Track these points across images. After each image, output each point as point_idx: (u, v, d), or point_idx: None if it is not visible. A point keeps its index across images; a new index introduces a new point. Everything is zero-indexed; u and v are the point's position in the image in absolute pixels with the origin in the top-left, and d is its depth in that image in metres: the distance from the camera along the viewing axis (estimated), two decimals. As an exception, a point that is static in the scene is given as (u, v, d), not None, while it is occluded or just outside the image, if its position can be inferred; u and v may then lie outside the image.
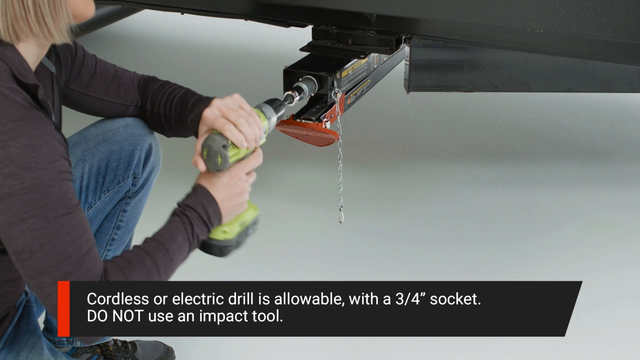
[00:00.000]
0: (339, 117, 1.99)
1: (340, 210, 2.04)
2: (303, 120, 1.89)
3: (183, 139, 1.68)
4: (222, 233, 1.46)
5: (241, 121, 1.41)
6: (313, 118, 1.90)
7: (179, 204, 1.39)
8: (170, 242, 1.33)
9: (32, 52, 1.30)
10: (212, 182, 1.42)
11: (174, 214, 1.38)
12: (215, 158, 1.40)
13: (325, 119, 1.93)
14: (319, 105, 1.95)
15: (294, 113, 1.94)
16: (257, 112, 1.50)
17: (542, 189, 2.77)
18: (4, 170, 1.16)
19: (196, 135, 1.52)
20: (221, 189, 1.42)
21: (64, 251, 1.20)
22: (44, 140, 1.20)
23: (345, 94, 2.00)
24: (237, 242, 1.49)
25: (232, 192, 1.43)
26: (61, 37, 1.29)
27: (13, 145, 1.16)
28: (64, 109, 1.56)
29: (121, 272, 1.26)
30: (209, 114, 1.44)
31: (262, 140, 1.51)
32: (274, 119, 1.54)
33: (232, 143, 1.41)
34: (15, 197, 1.17)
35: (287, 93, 1.71)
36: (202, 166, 1.41)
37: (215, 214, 1.41)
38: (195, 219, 1.37)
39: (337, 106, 1.95)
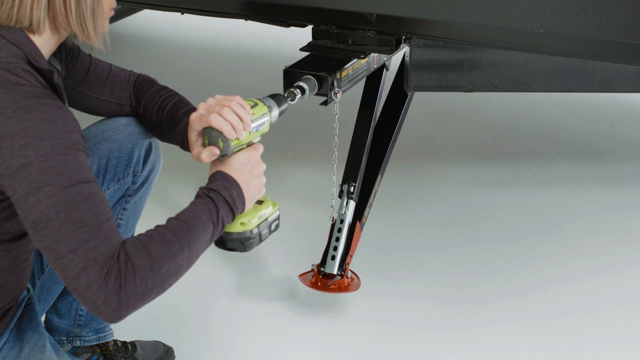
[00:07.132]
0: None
1: (332, 207, 2.07)
2: (324, 277, 2.02)
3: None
4: (241, 225, 1.45)
5: (225, 110, 1.41)
6: (335, 272, 2.00)
7: (201, 188, 1.38)
8: (194, 219, 1.31)
9: (47, 46, 1.34)
10: (231, 166, 1.42)
11: (197, 196, 1.37)
12: (217, 143, 1.40)
13: (348, 268, 2.02)
14: (336, 244, 2.02)
15: (318, 263, 2.03)
16: (257, 101, 1.52)
17: (542, 189, 2.77)
18: (20, 142, 1.19)
19: (181, 145, 1.55)
20: (241, 171, 1.42)
21: (80, 218, 1.19)
22: (58, 114, 1.23)
23: (359, 220, 2.07)
24: (258, 235, 1.48)
25: (252, 173, 1.43)
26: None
27: (28, 119, 1.20)
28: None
29: (141, 244, 1.23)
30: (194, 117, 1.46)
31: (266, 129, 1.52)
32: (276, 111, 1.56)
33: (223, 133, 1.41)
34: (31, 166, 1.18)
35: (289, 90, 1.72)
36: (205, 156, 1.41)
37: (239, 197, 1.39)
38: (220, 201, 1.36)
39: (356, 236, 2.04)
